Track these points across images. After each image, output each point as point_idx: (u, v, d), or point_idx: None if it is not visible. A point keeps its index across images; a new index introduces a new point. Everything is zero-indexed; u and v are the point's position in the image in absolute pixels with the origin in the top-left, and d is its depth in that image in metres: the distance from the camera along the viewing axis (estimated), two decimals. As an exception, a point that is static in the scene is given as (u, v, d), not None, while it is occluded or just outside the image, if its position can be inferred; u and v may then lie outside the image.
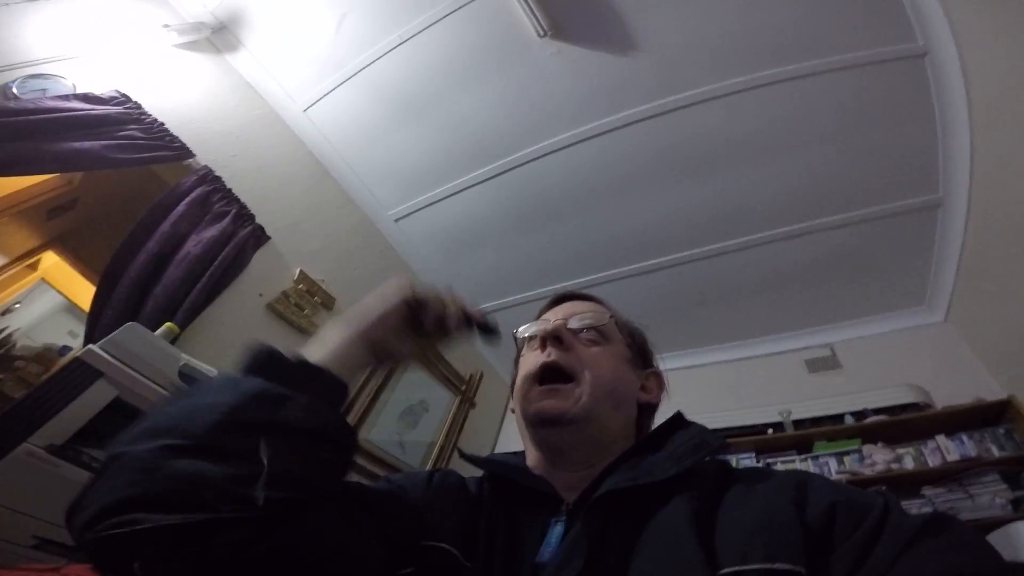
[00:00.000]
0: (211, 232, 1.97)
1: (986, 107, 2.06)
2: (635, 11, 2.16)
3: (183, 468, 0.38)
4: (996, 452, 2.32)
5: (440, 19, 2.27)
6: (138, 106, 1.92)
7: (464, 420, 3.26)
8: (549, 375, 0.64)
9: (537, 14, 2.13)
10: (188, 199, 1.95)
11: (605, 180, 2.74)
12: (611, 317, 0.72)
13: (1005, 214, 2.24)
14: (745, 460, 2.79)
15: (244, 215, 2.18)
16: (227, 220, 2.07)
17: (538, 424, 0.63)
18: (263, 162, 2.45)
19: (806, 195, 2.64)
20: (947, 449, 2.42)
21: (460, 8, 2.22)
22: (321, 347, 0.53)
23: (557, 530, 0.53)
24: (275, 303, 2.24)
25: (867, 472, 2.48)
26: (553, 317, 0.72)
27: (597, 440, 0.62)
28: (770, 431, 2.91)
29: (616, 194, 2.79)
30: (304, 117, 2.68)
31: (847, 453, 2.63)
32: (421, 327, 0.60)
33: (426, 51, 2.37)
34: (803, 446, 2.79)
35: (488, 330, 0.64)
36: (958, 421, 2.49)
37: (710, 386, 3.36)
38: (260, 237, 2.26)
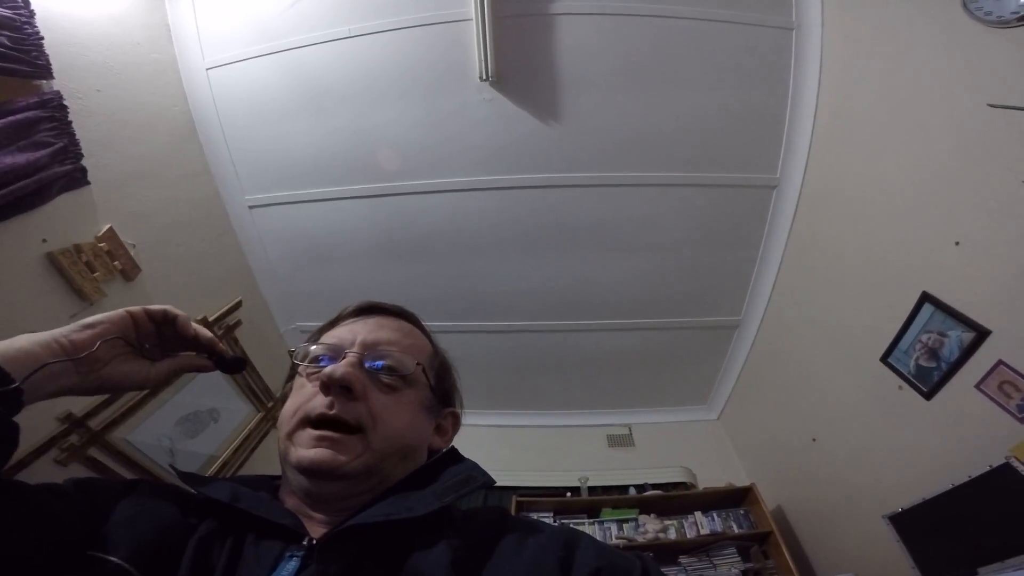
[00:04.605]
0: (16, 159, 1.66)
1: (796, 250, 2.66)
2: (572, 87, 2.39)
3: None
4: (736, 529, 2.84)
5: (397, 28, 2.27)
6: (31, 15, 1.71)
7: (262, 439, 2.89)
8: (328, 425, 0.54)
9: (489, 58, 2.23)
10: (10, 119, 1.66)
11: (485, 235, 2.84)
12: (418, 364, 0.62)
13: (780, 346, 2.88)
14: (545, 519, 2.92)
15: (70, 152, 1.87)
16: (44, 152, 1.76)
17: (303, 473, 0.53)
18: (128, 105, 2.16)
19: (641, 295, 3.05)
20: (702, 524, 2.89)
21: (422, 26, 2.25)
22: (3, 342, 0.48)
23: (290, 566, 0.46)
24: (59, 254, 1.86)
25: (640, 539, 2.82)
26: (352, 337, 0.61)
27: (373, 491, 0.55)
28: (568, 494, 3.18)
29: (490, 251, 2.91)
30: (204, 75, 2.45)
31: (627, 520, 2.97)
32: (147, 349, 0.58)
33: (367, 53, 2.33)
34: (593, 511, 3.09)
35: (230, 365, 0.64)
36: (713, 501, 3.01)
37: (523, 446, 3.57)
38: (76, 179, 1.92)
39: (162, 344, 0.60)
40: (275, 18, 2.29)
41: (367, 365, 0.58)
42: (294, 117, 2.51)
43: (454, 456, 0.62)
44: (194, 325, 0.61)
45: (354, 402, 0.55)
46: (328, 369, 0.56)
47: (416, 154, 2.59)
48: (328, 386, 0.55)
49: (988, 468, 1.57)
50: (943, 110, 1.74)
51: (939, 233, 1.77)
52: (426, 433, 0.63)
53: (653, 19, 2.23)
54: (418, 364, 0.62)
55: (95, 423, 1.94)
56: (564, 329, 3.21)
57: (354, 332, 0.62)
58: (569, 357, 3.37)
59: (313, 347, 0.62)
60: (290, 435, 0.55)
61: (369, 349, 0.60)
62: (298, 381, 0.61)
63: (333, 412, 0.54)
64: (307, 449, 0.53)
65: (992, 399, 1.59)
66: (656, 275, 2.95)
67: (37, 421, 1.75)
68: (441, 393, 0.67)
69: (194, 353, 0.62)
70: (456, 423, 0.69)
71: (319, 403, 0.55)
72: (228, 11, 2.32)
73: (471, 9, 2.13)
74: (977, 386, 1.64)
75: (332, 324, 0.67)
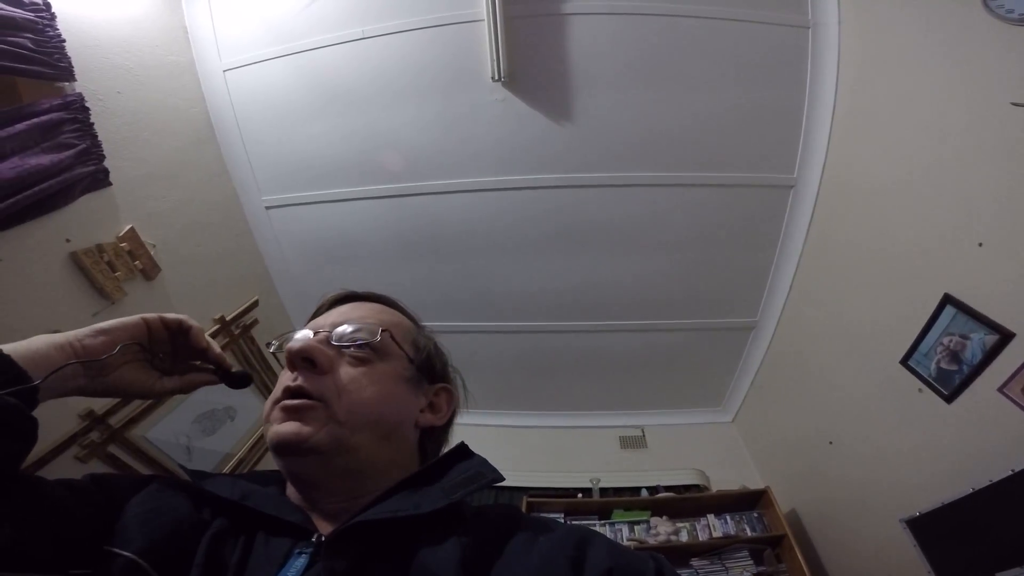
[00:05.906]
0: (40, 160, 1.69)
1: (814, 251, 2.64)
2: (585, 87, 2.38)
3: None
4: (749, 532, 2.81)
5: (410, 30, 2.29)
6: (52, 17, 1.75)
7: (275, 438, 2.93)
8: (293, 399, 0.55)
9: (501, 59, 2.24)
10: (34, 120, 1.70)
11: (498, 235, 2.84)
12: (384, 331, 0.61)
13: (797, 348, 2.85)
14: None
15: (92, 153, 1.91)
16: (68, 154, 1.79)
17: (276, 451, 0.54)
18: (148, 107, 2.21)
19: (655, 296, 3.02)
20: (714, 527, 2.86)
21: (434, 27, 2.27)
22: (18, 343, 0.49)
23: (299, 563, 0.46)
24: (82, 254, 1.90)
25: (651, 541, 2.80)
26: (324, 321, 0.63)
27: (356, 473, 0.55)
28: (580, 495, 3.16)
29: (503, 251, 2.90)
30: (221, 77, 2.49)
31: (638, 522, 2.95)
32: (159, 358, 0.60)
33: (381, 54, 2.36)
34: (604, 512, 3.07)
35: (235, 381, 0.66)
36: (726, 504, 2.98)
37: (534, 447, 3.56)
38: (99, 180, 1.96)
39: (173, 353, 0.62)
40: (291, 20, 2.32)
41: (334, 342, 0.59)
42: (310, 118, 2.54)
43: (464, 452, 0.61)
44: (206, 338, 0.63)
45: (320, 376, 0.56)
46: (289, 343, 0.57)
47: (430, 155, 2.60)
48: (292, 361, 0.56)
49: (1010, 472, 1.54)
50: (964, 109, 1.70)
51: (961, 234, 1.73)
52: (407, 408, 0.61)
53: (665, 18, 2.22)
54: (384, 331, 0.61)
55: (115, 421, 1.98)
56: (577, 330, 3.20)
57: (327, 317, 0.64)
58: (582, 358, 3.36)
59: (278, 341, 0.64)
60: (267, 418, 0.56)
61: (335, 328, 0.61)
62: (279, 378, 0.62)
63: (296, 383, 0.55)
64: (278, 424, 0.54)
65: (1015, 402, 1.55)
66: (670, 276, 2.93)
67: (58, 419, 1.79)
68: (424, 366, 0.65)
69: (200, 362, 0.65)
70: (451, 399, 0.67)
71: (285, 378, 0.57)
72: (244, 13, 2.36)
73: (483, 10, 2.14)
74: (1000, 389, 1.60)
75: (313, 316, 0.68)
